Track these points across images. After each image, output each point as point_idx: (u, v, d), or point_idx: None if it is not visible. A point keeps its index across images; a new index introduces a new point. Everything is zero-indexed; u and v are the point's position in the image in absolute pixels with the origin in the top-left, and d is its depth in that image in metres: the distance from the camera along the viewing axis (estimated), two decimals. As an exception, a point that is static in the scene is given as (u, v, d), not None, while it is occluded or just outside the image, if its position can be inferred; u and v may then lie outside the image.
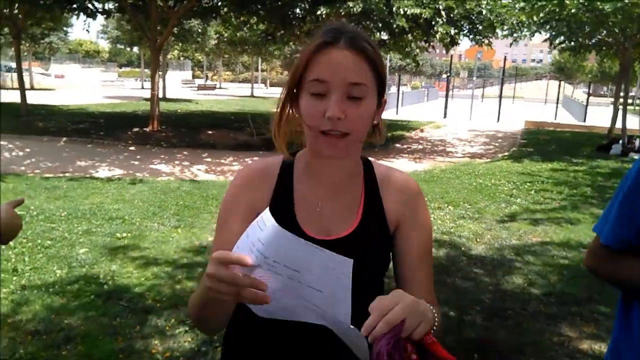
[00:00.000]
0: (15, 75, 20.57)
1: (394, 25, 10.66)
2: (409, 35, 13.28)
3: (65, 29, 29.83)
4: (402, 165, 10.59)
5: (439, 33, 11.38)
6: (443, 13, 10.93)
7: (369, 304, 0.98)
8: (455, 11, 11.54)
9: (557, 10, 11.61)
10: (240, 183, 1.05)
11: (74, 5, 13.20)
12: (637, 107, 36.82)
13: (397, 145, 13.78)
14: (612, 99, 19.02)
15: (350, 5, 10.02)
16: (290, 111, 1.01)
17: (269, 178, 1.05)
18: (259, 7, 12.71)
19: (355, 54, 0.93)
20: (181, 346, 2.99)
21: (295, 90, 0.99)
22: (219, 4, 14.21)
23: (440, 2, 10.87)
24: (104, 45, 54.43)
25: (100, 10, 13.85)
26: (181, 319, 3.28)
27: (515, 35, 14.17)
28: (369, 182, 1.07)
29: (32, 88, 28.26)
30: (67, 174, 8.08)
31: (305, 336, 0.96)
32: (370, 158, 1.12)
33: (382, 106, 1.03)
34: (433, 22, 10.93)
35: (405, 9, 10.06)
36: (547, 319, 3.51)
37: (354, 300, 0.94)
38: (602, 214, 1.22)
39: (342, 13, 10.67)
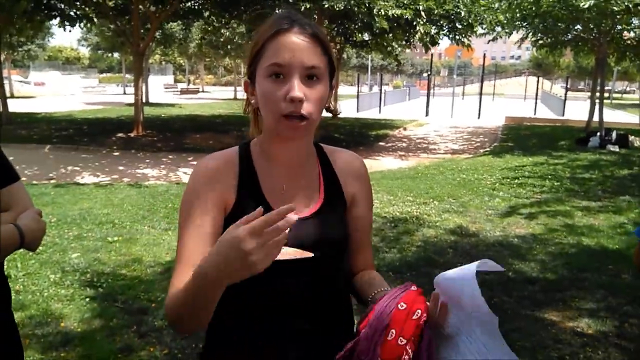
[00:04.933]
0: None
1: (375, 27, 10.78)
2: (390, 35, 13.45)
3: (44, 33, 29.43)
4: (387, 162, 10.73)
5: (419, 33, 11.55)
6: (423, 14, 11.09)
7: (334, 278, 1.11)
8: (435, 11, 11.74)
9: (533, 8, 11.87)
10: (204, 179, 1.04)
11: (54, 13, 13.12)
12: (613, 101, 37.56)
13: (382, 143, 13.93)
14: (589, 94, 19.42)
15: (331, 3, 10.11)
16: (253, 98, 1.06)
17: (231, 167, 1.06)
18: (242, 8, 12.75)
19: (309, 38, 0.97)
20: (179, 344, 3.05)
21: (250, 78, 1.04)
22: (201, 7, 14.23)
23: (420, 3, 11.04)
24: (84, 51, 53.82)
25: (81, 16, 13.77)
26: (177, 318, 3.35)
27: (493, 33, 14.40)
28: (324, 161, 1.13)
29: (12, 96, 27.90)
30: (53, 181, 8.06)
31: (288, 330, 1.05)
32: (320, 144, 1.17)
33: (333, 89, 1.06)
34: (414, 23, 11.09)
35: (387, 10, 10.19)
36: (532, 305, 3.64)
37: (322, 274, 1.07)
38: None
39: (325, 7, 10.75)
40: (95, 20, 14.85)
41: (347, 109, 24.14)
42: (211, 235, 1.02)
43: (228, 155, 1.09)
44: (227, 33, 22.43)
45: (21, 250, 4.42)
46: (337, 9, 10.24)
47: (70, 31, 15.92)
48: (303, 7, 10.54)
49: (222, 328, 1.09)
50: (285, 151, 1.07)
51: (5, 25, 15.10)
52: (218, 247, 0.81)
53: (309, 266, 1.00)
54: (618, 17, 12.38)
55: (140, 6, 12.91)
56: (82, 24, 14.49)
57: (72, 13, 13.43)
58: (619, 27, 14.04)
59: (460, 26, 12.82)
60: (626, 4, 10.89)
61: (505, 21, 13.57)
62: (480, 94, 23.80)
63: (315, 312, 1.07)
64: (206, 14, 14.32)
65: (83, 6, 13.52)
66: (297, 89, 0.95)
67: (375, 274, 1.16)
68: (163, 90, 40.04)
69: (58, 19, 13.44)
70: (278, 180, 1.07)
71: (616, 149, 12.00)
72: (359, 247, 1.18)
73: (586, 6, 10.74)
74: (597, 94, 15.02)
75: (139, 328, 3.23)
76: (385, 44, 15.36)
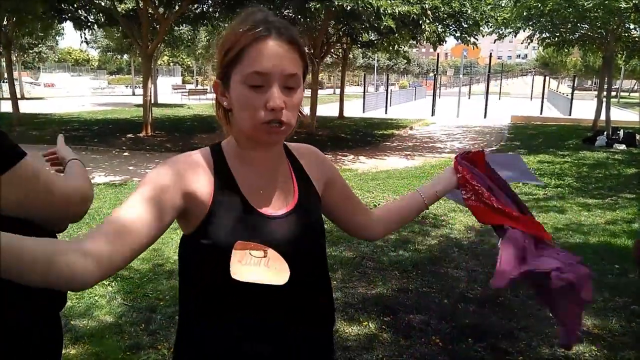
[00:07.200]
0: (4, 85, 20.56)
1: (382, 26, 10.78)
2: (397, 34, 13.44)
3: (56, 37, 29.70)
4: (393, 162, 10.74)
5: (427, 32, 11.55)
6: (429, 12, 11.07)
7: (316, 265, 1.15)
8: (442, 9, 11.72)
9: (539, 6, 11.82)
10: (184, 168, 1.02)
11: (64, 16, 13.27)
12: (620, 100, 37.30)
13: (388, 143, 13.94)
14: (596, 92, 19.30)
15: (340, 2, 10.10)
16: (225, 100, 1.05)
17: (207, 167, 1.05)
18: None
19: (288, 45, 0.98)
20: (187, 341, 3.09)
21: (222, 79, 1.03)
22: (210, 9, 14.30)
23: (426, 2, 11.03)
24: (94, 53, 54.27)
25: (92, 20, 13.93)
26: (185, 316, 3.39)
27: (499, 32, 14.36)
28: (291, 158, 1.17)
29: (22, 97, 28.17)
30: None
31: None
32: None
33: (303, 90, 1.07)
34: (420, 21, 11.08)
35: (393, 8, 10.17)
36: (537, 304, 3.64)
37: (302, 261, 1.08)
38: None
39: (333, 9, 10.77)
40: (106, 24, 14.96)
41: (353, 109, 24.14)
42: (153, 220, 0.95)
43: (202, 155, 1.07)
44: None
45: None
46: (346, 8, 10.21)
47: (82, 36, 15.80)
48: (311, 9, 10.55)
49: (195, 328, 1.09)
50: (261, 154, 1.09)
51: (19, 27, 15.31)
52: None
53: (297, 261, 1.04)
54: (625, 15, 12.30)
55: (150, 9, 13.00)
56: (93, 27, 14.66)
57: (82, 17, 13.58)
58: (627, 25, 13.96)
59: (466, 25, 12.80)
60: (634, 1, 10.81)
61: (511, 18, 13.52)
62: (487, 93, 23.72)
63: (294, 304, 1.07)
64: (215, 14, 14.38)
65: (94, 10, 13.67)
66: (278, 98, 0.97)
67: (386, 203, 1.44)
68: (171, 91, 40.22)
69: (69, 22, 13.62)
70: (255, 181, 1.08)
71: (623, 147, 11.94)
72: (357, 210, 1.30)
73: (590, 5, 10.67)
74: (604, 93, 14.94)
75: (147, 326, 3.26)
76: (391, 43, 15.34)
